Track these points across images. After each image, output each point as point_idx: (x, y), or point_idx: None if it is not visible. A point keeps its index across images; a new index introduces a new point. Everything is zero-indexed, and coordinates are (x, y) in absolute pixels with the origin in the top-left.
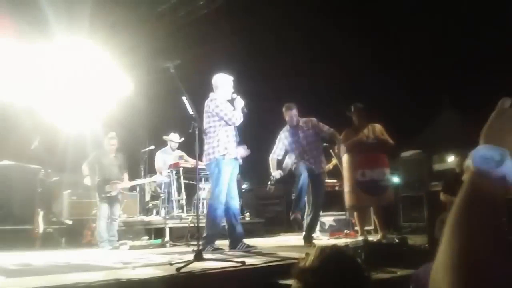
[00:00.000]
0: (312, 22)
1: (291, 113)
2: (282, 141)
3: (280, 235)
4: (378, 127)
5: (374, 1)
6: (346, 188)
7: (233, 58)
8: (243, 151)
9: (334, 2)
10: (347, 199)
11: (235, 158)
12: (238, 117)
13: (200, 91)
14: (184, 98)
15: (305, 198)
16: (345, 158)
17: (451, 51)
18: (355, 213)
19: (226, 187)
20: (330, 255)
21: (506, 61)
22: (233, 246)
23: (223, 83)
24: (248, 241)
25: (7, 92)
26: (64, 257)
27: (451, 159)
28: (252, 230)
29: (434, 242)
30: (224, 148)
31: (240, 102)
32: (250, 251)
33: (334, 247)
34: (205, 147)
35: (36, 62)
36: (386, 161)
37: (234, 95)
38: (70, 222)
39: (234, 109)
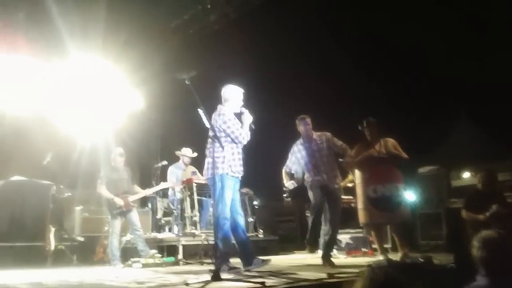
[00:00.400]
0: (323, 36)
1: (305, 125)
2: (295, 154)
3: (294, 253)
4: (391, 141)
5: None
6: (359, 205)
7: (245, 71)
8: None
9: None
10: (361, 216)
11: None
12: (245, 136)
13: (214, 105)
14: (200, 111)
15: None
16: (357, 174)
17: (468, 64)
18: (372, 231)
19: (230, 203)
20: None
21: None
22: (247, 263)
23: (232, 96)
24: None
25: (21, 107)
26: (76, 276)
27: (466, 175)
28: (266, 248)
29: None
30: (229, 166)
31: (248, 118)
32: (267, 264)
33: (387, 274)
34: (208, 160)
35: (50, 77)
36: (399, 176)
37: (243, 109)
38: (82, 239)
39: (242, 125)
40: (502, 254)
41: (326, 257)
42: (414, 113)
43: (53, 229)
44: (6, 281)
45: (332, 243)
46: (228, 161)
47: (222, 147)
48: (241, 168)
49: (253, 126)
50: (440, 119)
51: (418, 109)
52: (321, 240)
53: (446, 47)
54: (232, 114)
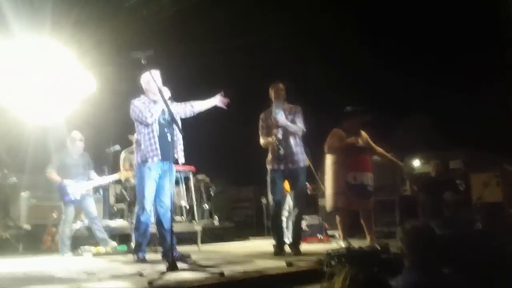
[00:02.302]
0: (282, 19)
1: (277, 88)
2: (261, 123)
3: (250, 239)
4: (363, 133)
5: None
6: (332, 189)
7: (200, 54)
8: (219, 100)
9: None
10: (333, 201)
11: (164, 161)
12: (147, 114)
13: (171, 87)
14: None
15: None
16: (330, 158)
17: (421, 57)
18: (338, 217)
19: (149, 194)
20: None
21: (475, 69)
22: (165, 255)
23: (144, 84)
24: (218, 245)
25: None
26: (22, 266)
27: (417, 163)
28: (222, 235)
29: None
30: (143, 154)
31: (166, 94)
32: (186, 260)
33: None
34: None
35: None
36: (371, 166)
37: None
38: (28, 227)
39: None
40: (432, 245)
41: (296, 246)
42: (367, 102)
43: None
44: None
45: (299, 229)
46: (142, 149)
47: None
48: (157, 152)
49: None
50: (392, 108)
51: (372, 99)
52: (285, 226)
53: (403, 40)
54: (149, 99)
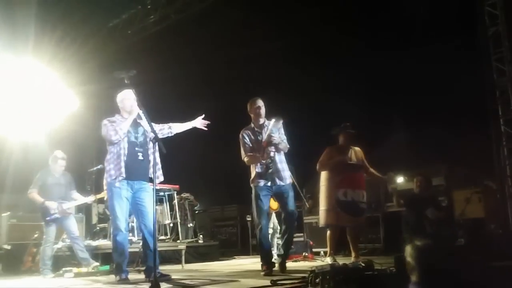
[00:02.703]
0: (268, 38)
1: (258, 105)
2: (246, 140)
3: (235, 258)
4: (359, 150)
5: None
6: (324, 206)
7: (186, 74)
8: (199, 122)
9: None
10: (324, 217)
11: (135, 181)
12: (111, 132)
13: (153, 106)
14: (139, 112)
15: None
16: (324, 175)
17: (404, 72)
18: (328, 233)
19: (121, 213)
20: None
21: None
22: (147, 275)
23: (119, 102)
24: (203, 264)
25: None
26: (1, 287)
27: (400, 180)
28: (206, 253)
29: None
30: (113, 171)
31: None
32: (166, 280)
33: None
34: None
35: None
36: (364, 184)
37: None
38: (8, 247)
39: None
40: (437, 263)
41: (283, 264)
42: (351, 119)
43: None
44: None
45: (289, 247)
46: (109, 168)
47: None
48: (121, 171)
49: (142, 116)
50: (375, 124)
51: (354, 115)
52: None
53: (379, 53)
54: (113, 118)
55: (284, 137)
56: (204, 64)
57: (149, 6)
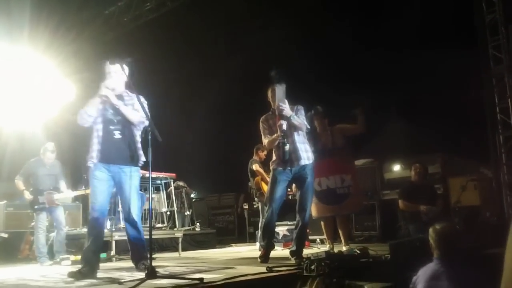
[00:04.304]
0: (265, 24)
1: (272, 90)
2: (264, 125)
3: (231, 246)
4: (338, 128)
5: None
6: None
7: (181, 61)
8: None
9: None
10: (312, 209)
11: (111, 164)
12: (80, 115)
13: (150, 94)
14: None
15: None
16: None
17: (400, 60)
18: (322, 223)
19: (99, 197)
20: None
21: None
22: (135, 265)
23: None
24: (199, 252)
25: None
26: None
27: (397, 168)
28: (203, 241)
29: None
30: (89, 153)
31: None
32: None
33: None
34: None
35: None
36: (345, 167)
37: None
38: (5, 235)
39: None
40: (454, 243)
41: (299, 253)
42: (347, 106)
43: None
44: None
45: (304, 235)
46: (87, 151)
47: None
48: (94, 154)
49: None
50: (371, 112)
51: (351, 103)
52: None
53: (378, 44)
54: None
55: (302, 118)
56: (200, 51)
57: None
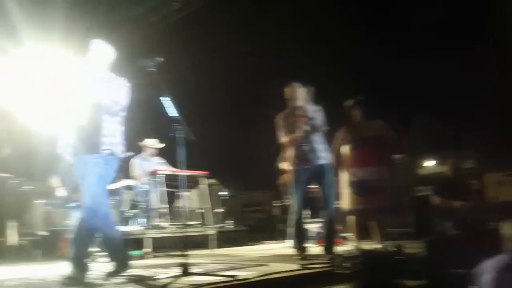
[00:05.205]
0: (292, 22)
1: (292, 88)
2: (281, 122)
3: (263, 243)
4: (378, 123)
5: None
6: (342, 190)
7: (211, 60)
8: None
9: None
10: (343, 201)
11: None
12: None
13: (179, 94)
14: (165, 99)
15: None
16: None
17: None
18: (352, 218)
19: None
20: None
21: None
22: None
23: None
24: (231, 249)
25: None
26: (39, 272)
27: (430, 163)
28: (235, 239)
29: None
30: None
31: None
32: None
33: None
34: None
35: (6, 68)
36: (382, 159)
37: None
38: (44, 233)
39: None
40: None
41: (330, 249)
42: (379, 102)
43: (14, 224)
44: None
45: (333, 231)
46: None
47: None
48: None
49: None
50: (403, 108)
51: (383, 98)
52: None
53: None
54: None
55: (321, 118)
56: (228, 50)
57: None
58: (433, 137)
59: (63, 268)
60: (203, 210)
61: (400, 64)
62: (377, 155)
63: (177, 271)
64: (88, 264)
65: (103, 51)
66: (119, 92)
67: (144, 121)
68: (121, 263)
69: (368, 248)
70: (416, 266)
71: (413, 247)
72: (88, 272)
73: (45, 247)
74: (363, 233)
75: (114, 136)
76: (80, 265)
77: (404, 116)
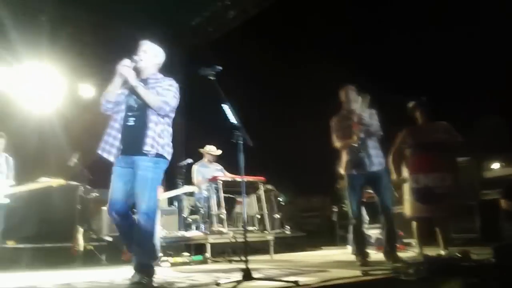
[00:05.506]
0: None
1: (347, 91)
2: (336, 125)
3: (322, 249)
4: (443, 125)
5: None
6: (404, 195)
7: (264, 68)
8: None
9: None
10: (404, 208)
11: (129, 155)
12: (102, 97)
13: (236, 101)
14: (225, 106)
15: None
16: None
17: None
18: (414, 224)
19: (114, 194)
20: None
21: None
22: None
23: None
24: (290, 255)
25: (44, 107)
26: (105, 276)
27: (496, 166)
28: (293, 244)
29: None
30: (103, 142)
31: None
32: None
33: None
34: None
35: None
36: (446, 164)
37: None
38: (110, 238)
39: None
40: None
41: (392, 253)
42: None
43: (81, 230)
44: (35, 282)
45: (392, 236)
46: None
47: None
48: (101, 145)
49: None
50: (465, 110)
51: (445, 100)
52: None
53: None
54: None
55: (376, 122)
56: (285, 56)
57: (228, 2)
58: (500, 137)
59: (127, 272)
60: (261, 216)
61: (465, 60)
62: (440, 160)
63: (239, 276)
64: (153, 269)
65: (152, 52)
66: (168, 93)
67: (204, 128)
68: (147, 268)
69: (433, 255)
70: (484, 273)
71: (480, 254)
72: (153, 276)
73: (110, 252)
74: (426, 239)
75: (162, 137)
76: (144, 270)
77: (469, 115)
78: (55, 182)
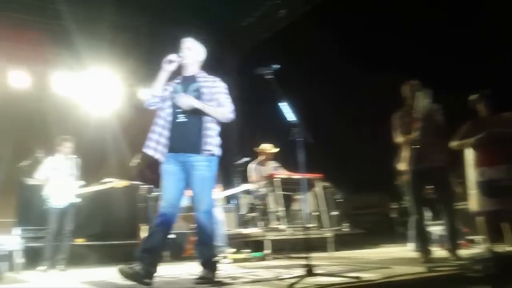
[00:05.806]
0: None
1: (409, 86)
2: (398, 121)
3: (381, 246)
4: (506, 115)
5: None
6: (469, 190)
7: (319, 64)
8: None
9: None
10: (470, 202)
11: (182, 153)
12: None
13: (292, 100)
14: (282, 104)
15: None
16: (467, 154)
17: None
18: (481, 219)
19: (166, 193)
20: None
21: None
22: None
23: None
24: (349, 252)
25: (103, 109)
26: (169, 271)
27: None
28: (352, 241)
29: None
30: (149, 140)
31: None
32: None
33: None
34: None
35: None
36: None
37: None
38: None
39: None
40: None
41: (453, 250)
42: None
43: (145, 227)
44: (104, 277)
45: (454, 233)
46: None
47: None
48: (147, 143)
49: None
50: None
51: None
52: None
53: None
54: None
55: (439, 118)
56: (341, 49)
57: (278, 1)
58: None
59: (191, 268)
60: (318, 213)
61: None
62: (505, 153)
63: (301, 272)
64: (217, 265)
65: (195, 49)
66: (227, 100)
67: (260, 127)
68: (211, 264)
69: (501, 251)
70: None
71: None
72: (217, 272)
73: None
74: (494, 235)
75: (216, 136)
76: (209, 266)
77: None
78: (121, 183)
